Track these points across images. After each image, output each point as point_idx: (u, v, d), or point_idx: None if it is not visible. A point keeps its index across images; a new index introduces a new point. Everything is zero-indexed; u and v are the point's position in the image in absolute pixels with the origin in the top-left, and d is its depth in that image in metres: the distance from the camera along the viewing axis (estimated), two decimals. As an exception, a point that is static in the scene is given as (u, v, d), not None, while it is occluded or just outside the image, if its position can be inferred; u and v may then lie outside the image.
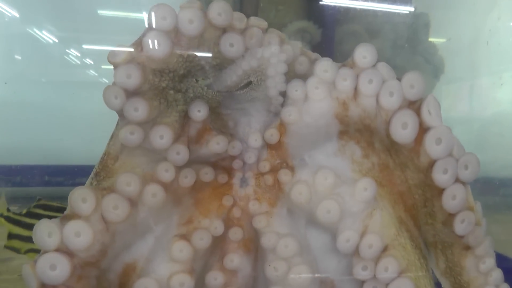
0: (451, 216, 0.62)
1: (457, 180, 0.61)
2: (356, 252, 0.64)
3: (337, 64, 0.66)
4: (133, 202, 0.64)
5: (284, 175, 0.71)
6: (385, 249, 0.63)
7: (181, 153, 0.65)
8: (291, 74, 0.70)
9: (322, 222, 0.67)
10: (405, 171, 0.67)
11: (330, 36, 1.67)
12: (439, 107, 0.62)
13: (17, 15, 2.26)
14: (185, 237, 0.67)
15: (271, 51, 0.65)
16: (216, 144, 0.68)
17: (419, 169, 0.63)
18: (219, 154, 0.70)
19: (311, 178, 0.68)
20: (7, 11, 2.17)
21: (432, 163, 0.60)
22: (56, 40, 2.37)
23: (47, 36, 2.34)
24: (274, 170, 0.72)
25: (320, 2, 1.61)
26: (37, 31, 2.30)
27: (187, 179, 0.69)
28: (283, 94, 0.68)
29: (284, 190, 0.71)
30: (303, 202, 0.68)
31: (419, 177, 0.65)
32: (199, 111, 0.67)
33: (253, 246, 0.72)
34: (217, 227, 0.69)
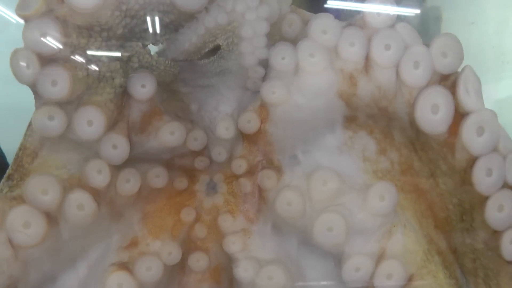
0: (496, 234, 0.54)
1: (505, 185, 0.53)
2: (370, 284, 0.56)
3: (341, 23, 0.56)
4: (52, 217, 0.52)
5: (267, 179, 0.61)
6: (409, 279, 0.56)
7: (118, 146, 0.55)
8: (277, 38, 0.60)
9: (321, 244, 0.57)
10: (436, 172, 0.59)
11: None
12: (480, 84, 0.54)
13: (11, 18, 2.29)
14: (126, 266, 0.57)
15: (247, 3, 0.54)
16: (169, 134, 0.57)
17: (454, 169, 0.55)
18: (175, 148, 0.60)
19: (305, 183, 0.58)
20: (-1, 15, 2.22)
21: (472, 162, 0.52)
22: (52, 43, 2.53)
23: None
24: (253, 172, 0.63)
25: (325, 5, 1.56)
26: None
27: (129, 184, 0.58)
28: (265, 64, 0.58)
29: (268, 199, 0.62)
30: (294, 215, 0.58)
31: (454, 181, 0.57)
32: (143, 86, 0.55)
33: (225, 278, 0.64)
34: (172, 252, 0.59)
